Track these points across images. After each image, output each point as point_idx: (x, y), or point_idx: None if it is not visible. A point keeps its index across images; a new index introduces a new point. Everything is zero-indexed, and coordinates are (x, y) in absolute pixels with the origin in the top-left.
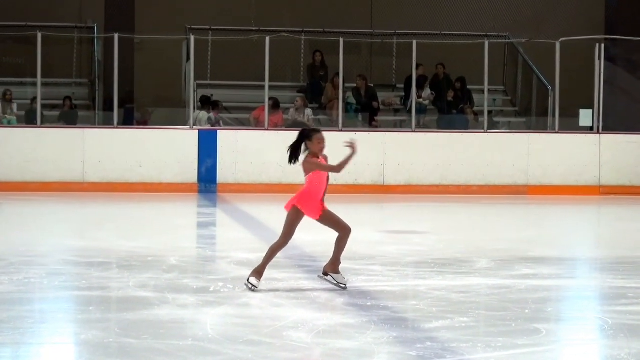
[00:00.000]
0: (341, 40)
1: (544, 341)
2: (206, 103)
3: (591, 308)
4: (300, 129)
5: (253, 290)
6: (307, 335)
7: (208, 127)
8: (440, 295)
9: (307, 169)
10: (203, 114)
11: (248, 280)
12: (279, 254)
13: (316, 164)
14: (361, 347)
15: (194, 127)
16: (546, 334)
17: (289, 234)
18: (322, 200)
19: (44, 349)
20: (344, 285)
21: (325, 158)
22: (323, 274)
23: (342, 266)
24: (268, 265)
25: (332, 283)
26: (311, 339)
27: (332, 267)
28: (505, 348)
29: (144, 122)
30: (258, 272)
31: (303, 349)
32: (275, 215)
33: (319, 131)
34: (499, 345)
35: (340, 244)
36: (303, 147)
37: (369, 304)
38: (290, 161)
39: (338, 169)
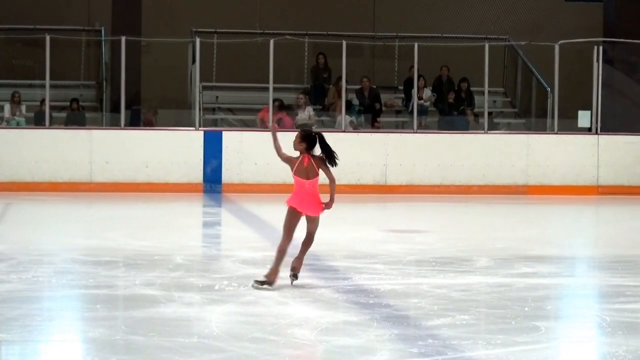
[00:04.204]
0: (344, 43)
1: (543, 338)
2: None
3: (590, 306)
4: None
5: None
6: (310, 333)
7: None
8: (442, 293)
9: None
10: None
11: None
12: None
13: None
14: (363, 344)
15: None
16: (545, 331)
17: (289, 232)
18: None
19: (52, 346)
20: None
21: (320, 158)
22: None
23: (346, 264)
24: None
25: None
26: (314, 337)
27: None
28: (505, 345)
29: (148, 122)
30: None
31: (306, 346)
32: (279, 215)
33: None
34: (499, 342)
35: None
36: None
37: (371, 301)
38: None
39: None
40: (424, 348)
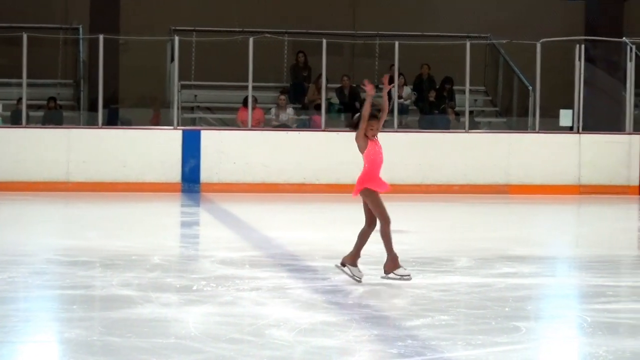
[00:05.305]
0: (324, 41)
1: (523, 339)
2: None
3: (570, 306)
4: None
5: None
6: (288, 334)
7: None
8: (421, 294)
9: (359, 146)
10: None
11: (352, 273)
12: (253, 253)
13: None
14: (342, 345)
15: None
16: (526, 331)
17: (383, 214)
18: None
19: (28, 347)
20: (358, 279)
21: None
22: (341, 264)
23: (325, 265)
24: (250, 265)
25: (348, 274)
26: (293, 337)
27: (351, 259)
28: (485, 346)
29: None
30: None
31: (285, 347)
32: (258, 215)
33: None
34: (478, 343)
35: (363, 238)
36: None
37: (350, 302)
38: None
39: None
40: (403, 349)
